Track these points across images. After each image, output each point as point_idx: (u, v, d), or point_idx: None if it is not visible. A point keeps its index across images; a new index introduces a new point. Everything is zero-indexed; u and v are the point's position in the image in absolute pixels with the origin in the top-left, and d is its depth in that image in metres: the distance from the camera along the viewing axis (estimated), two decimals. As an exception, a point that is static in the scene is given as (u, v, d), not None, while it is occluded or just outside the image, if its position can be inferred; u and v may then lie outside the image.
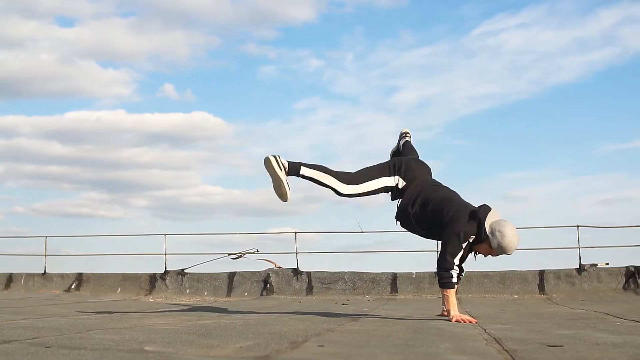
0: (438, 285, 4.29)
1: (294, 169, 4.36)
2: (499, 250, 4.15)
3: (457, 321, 3.96)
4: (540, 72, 19.88)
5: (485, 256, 4.33)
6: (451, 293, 4.16)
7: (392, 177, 4.41)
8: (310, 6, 20.17)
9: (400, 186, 4.41)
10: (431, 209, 4.27)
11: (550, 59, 19.49)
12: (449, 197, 4.34)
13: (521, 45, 19.82)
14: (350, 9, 19.95)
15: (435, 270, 4.26)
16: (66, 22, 22.54)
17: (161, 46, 20.91)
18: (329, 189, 4.41)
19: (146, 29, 20.33)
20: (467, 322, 3.93)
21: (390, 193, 4.51)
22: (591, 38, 19.15)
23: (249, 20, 19.96)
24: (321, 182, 4.39)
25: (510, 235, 4.08)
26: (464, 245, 4.15)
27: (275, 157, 4.31)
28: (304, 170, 4.38)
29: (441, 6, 20.18)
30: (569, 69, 19.39)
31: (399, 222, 4.51)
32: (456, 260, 4.13)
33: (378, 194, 4.49)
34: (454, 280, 4.14)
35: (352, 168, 4.48)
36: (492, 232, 4.10)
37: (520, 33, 19.77)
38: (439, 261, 4.20)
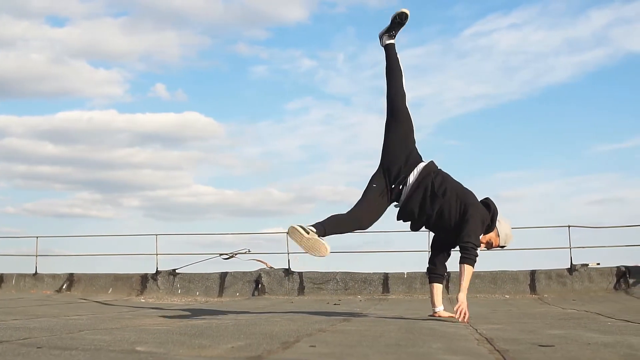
0: (460, 260, 4.10)
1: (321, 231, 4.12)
2: (504, 239, 4.35)
3: (458, 311, 3.97)
4: (532, 73, 19.99)
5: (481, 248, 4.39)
6: (471, 272, 4.11)
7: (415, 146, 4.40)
8: (302, 6, 20.20)
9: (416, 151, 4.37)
10: (450, 187, 4.22)
11: (542, 60, 19.59)
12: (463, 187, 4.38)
13: (513, 45, 19.92)
14: (342, 9, 19.98)
15: (462, 243, 4.10)
16: (57, 22, 22.46)
17: (152, 46, 20.89)
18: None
19: (137, 28, 20.30)
20: (464, 319, 3.93)
21: (393, 146, 4.35)
22: (583, 39, 19.27)
23: (241, 21, 19.97)
24: None
25: (510, 225, 4.38)
26: None
27: (300, 226, 4.01)
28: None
29: (432, 7, 20.23)
30: (560, 70, 19.50)
31: (412, 199, 4.23)
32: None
33: (406, 120, 4.37)
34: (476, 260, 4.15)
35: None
36: (499, 221, 4.32)
37: (512, 33, 19.87)
38: (469, 235, 4.07)
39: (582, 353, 2.34)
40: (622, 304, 6.57)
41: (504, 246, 4.42)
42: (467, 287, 4.08)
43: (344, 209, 4.27)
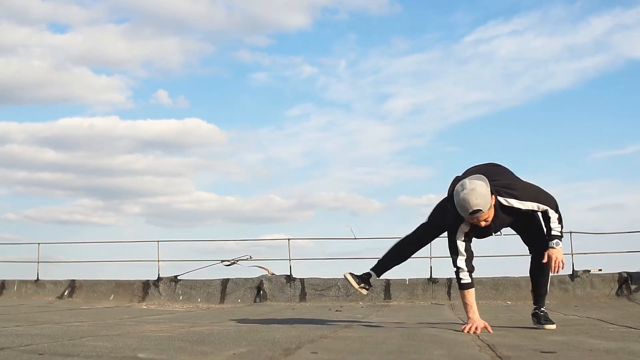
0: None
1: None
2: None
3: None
4: (532, 79, 20.00)
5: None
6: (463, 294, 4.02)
7: None
8: (304, 13, 20.24)
9: None
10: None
11: (542, 66, 19.60)
12: None
13: (513, 52, 19.93)
14: (344, 15, 20.01)
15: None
16: (59, 28, 22.52)
17: (154, 52, 20.92)
18: None
19: (139, 35, 20.33)
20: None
21: None
22: (583, 45, 19.27)
23: (242, 27, 20.00)
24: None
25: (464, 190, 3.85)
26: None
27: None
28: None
29: (433, 13, 20.26)
30: (561, 76, 19.50)
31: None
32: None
33: None
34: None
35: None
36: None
37: (512, 40, 19.88)
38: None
39: (584, 359, 2.34)
40: (624, 310, 6.55)
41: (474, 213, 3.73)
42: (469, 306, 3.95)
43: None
